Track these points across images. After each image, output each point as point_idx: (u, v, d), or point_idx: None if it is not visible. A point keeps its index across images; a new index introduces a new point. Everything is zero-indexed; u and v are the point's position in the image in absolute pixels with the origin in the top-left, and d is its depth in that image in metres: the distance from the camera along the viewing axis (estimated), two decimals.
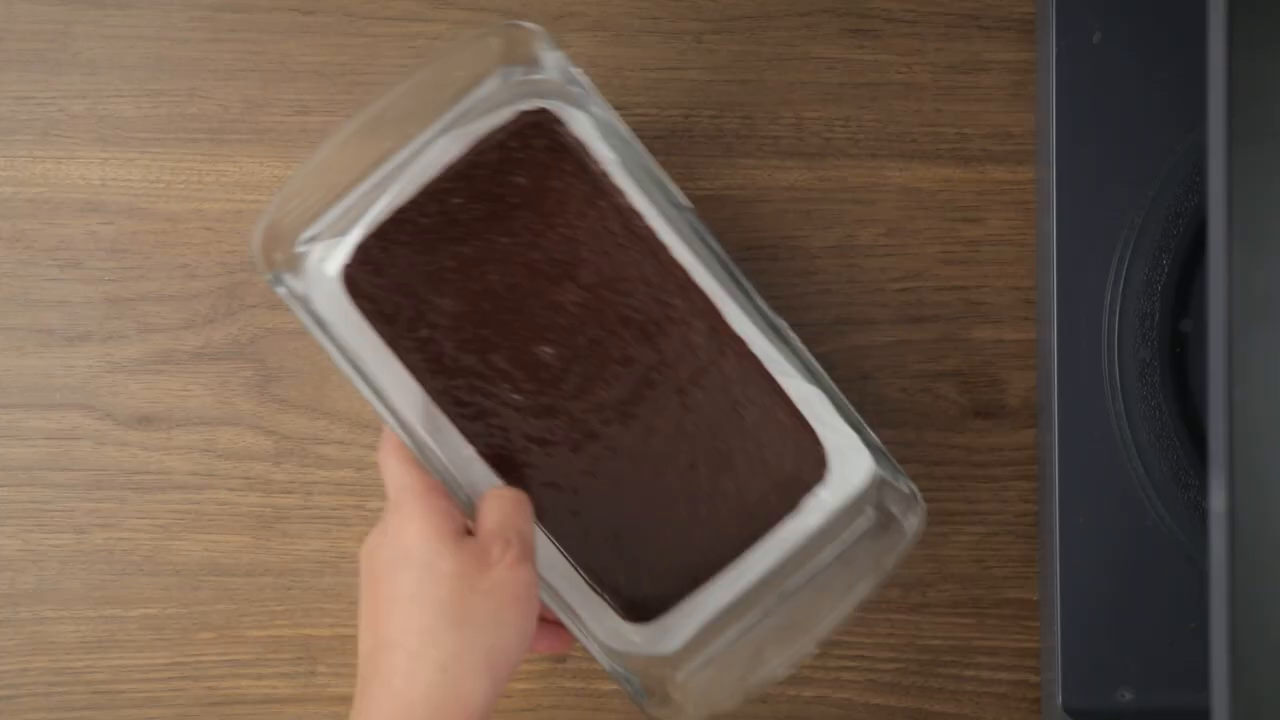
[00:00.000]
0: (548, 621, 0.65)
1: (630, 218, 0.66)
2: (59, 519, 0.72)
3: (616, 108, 0.72)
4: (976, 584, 0.73)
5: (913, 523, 0.64)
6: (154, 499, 0.72)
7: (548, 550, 0.66)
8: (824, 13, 0.73)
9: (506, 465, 0.66)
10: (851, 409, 0.66)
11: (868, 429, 0.66)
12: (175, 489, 0.72)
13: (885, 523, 0.66)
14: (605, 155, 0.66)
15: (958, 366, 0.73)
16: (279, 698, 0.72)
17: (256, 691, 0.72)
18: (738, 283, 0.66)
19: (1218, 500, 0.48)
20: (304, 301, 0.64)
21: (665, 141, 0.73)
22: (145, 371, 0.72)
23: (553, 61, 0.64)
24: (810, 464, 0.67)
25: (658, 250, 0.66)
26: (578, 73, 0.65)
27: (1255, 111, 0.47)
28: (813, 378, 0.66)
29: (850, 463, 0.67)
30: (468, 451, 0.66)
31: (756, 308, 0.66)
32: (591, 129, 0.66)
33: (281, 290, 0.63)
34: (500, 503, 0.62)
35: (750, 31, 0.73)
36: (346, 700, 0.72)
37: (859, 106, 0.73)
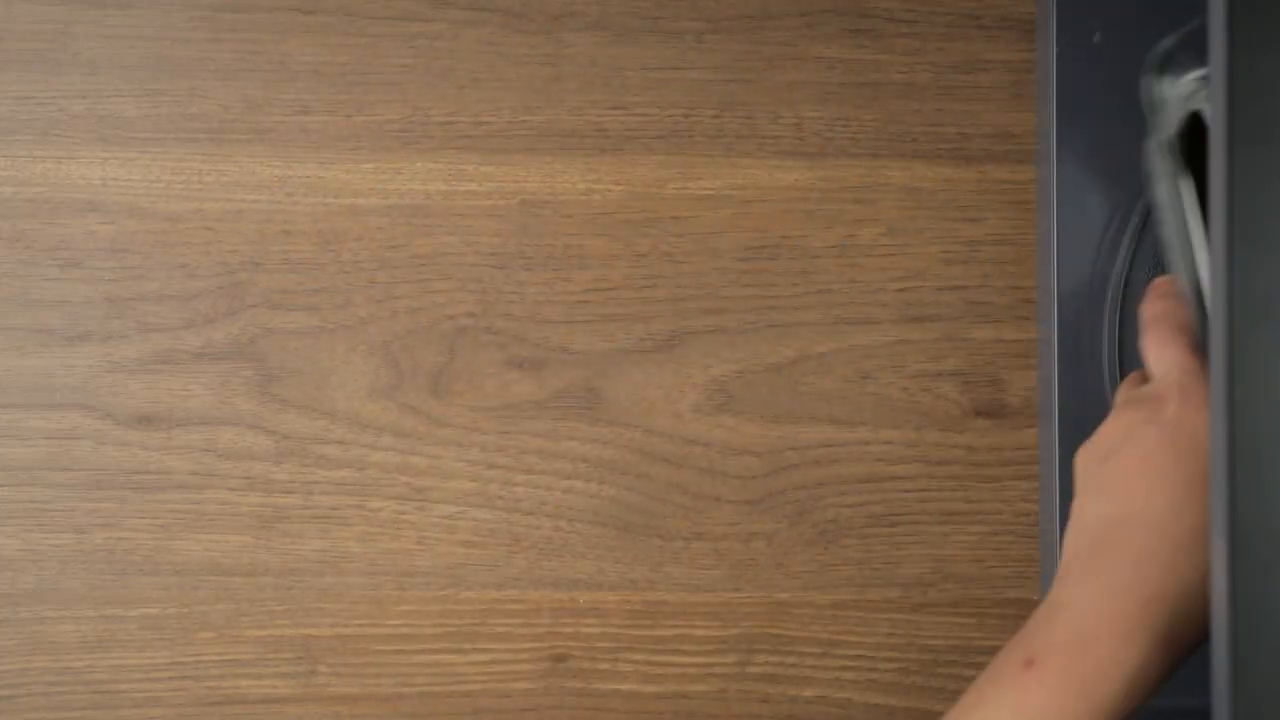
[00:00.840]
0: None
1: None
2: (59, 519, 0.72)
3: (616, 108, 0.72)
4: (977, 584, 0.73)
5: None
6: (154, 499, 0.72)
7: None
8: (824, 12, 0.73)
9: None
10: None
11: None
12: (175, 489, 0.72)
13: None
14: None
15: (958, 366, 0.73)
16: (279, 698, 0.72)
17: (256, 691, 0.72)
18: None
19: (1218, 500, 0.48)
20: (1158, 130, 0.58)
21: (666, 141, 0.73)
22: (145, 371, 0.72)
23: None
24: None
25: None
26: None
27: (1255, 112, 0.47)
28: None
29: None
30: None
31: None
32: None
33: (1150, 106, 0.58)
34: None
35: (750, 31, 0.73)
36: (346, 700, 0.72)
37: (859, 106, 0.73)
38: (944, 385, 0.73)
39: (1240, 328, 0.47)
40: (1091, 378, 0.70)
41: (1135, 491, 0.55)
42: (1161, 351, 0.58)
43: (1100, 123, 0.70)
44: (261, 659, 0.72)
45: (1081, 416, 0.69)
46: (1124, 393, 0.60)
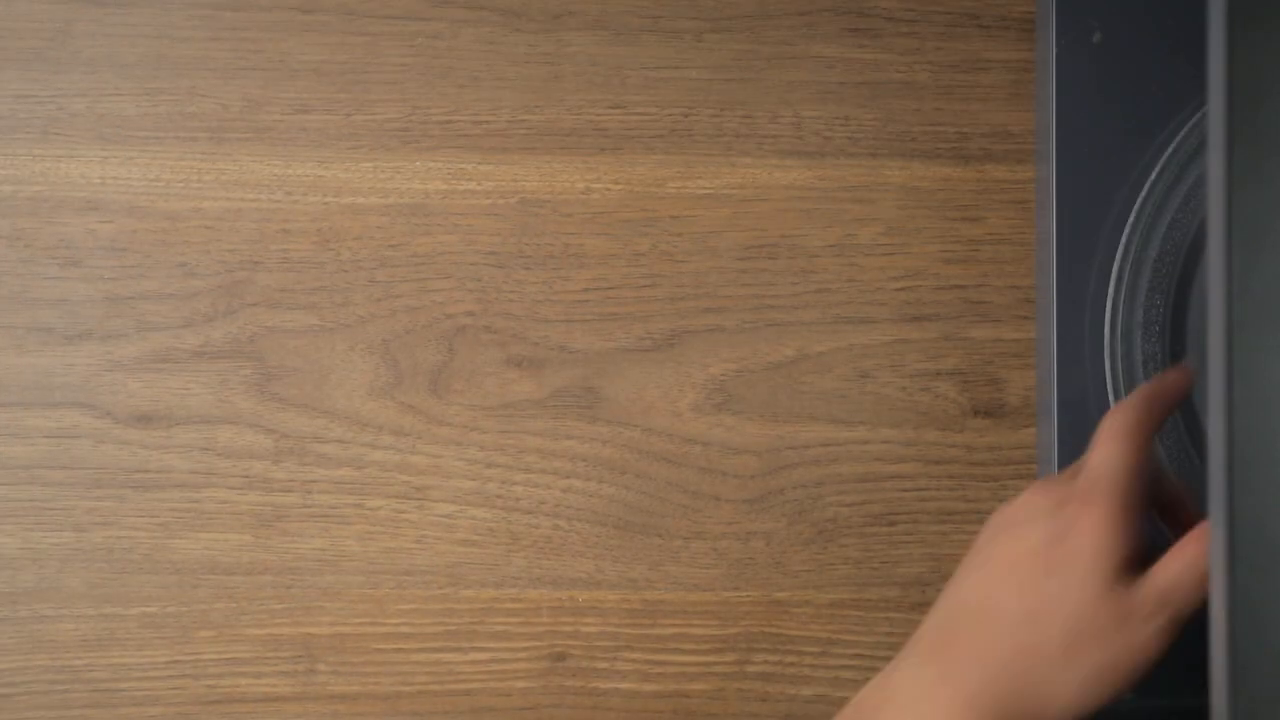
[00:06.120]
0: None
1: None
2: (58, 517, 0.72)
3: (615, 107, 0.72)
4: None
5: None
6: (153, 497, 0.72)
7: None
8: (824, 11, 0.73)
9: None
10: None
11: None
12: (175, 487, 0.72)
13: None
14: None
15: (957, 366, 0.73)
16: (278, 696, 0.72)
17: (256, 690, 0.72)
18: None
19: (1217, 500, 0.48)
20: None
21: (665, 140, 0.73)
22: (145, 370, 0.72)
23: None
24: None
25: None
26: None
27: (1255, 110, 0.47)
28: None
29: None
30: None
31: None
32: None
33: None
34: (1194, 558, 0.55)
35: (750, 30, 0.73)
36: (346, 699, 0.72)
37: (859, 105, 0.73)
38: (943, 385, 0.73)
39: (1240, 327, 0.47)
40: (1091, 378, 0.70)
41: (995, 589, 0.56)
42: (1104, 446, 0.58)
43: (1100, 122, 0.70)
44: (261, 657, 0.72)
45: (1080, 416, 0.69)
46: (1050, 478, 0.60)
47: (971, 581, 0.57)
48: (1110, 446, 0.57)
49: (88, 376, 0.72)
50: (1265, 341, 0.47)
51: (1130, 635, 0.55)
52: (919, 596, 0.73)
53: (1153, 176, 0.69)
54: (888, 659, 0.73)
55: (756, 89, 0.73)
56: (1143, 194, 0.69)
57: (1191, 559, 0.55)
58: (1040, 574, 0.55)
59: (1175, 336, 0.70)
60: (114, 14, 0.72)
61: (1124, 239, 0.70)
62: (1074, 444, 0.69)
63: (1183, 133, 0.69)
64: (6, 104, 0.72)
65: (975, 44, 0.73)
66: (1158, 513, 0.60)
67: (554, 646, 0.73)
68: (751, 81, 0.73)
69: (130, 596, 0.72)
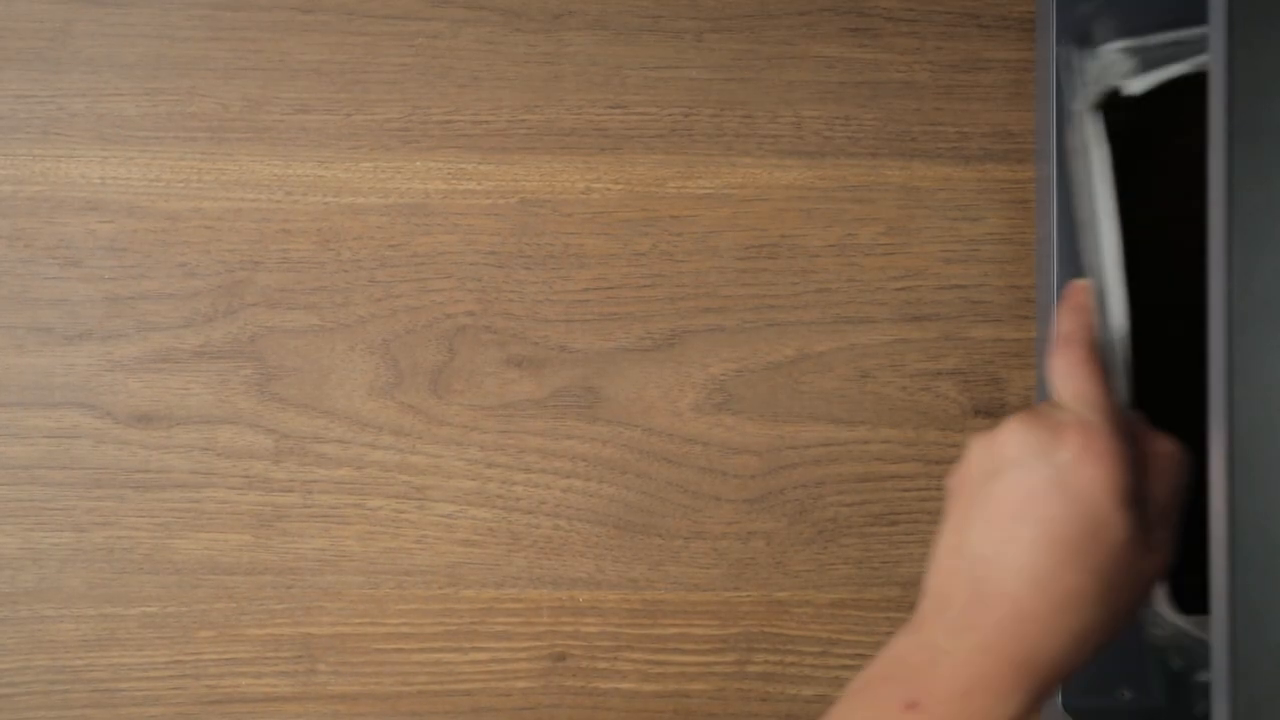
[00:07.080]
0: None
1: None
2: (59, 517, 0.72)
3: (615, 107, 0.72)
4: None
5: None
6: (154, 497, 0.72)
7: None
8: (824, 11, 0.73)
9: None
10: None
11: None
12: (175, 487, 0.72)
13: None
14: None
15: (958, 365, 0.73)
16: (278, 696, 0.72)
17: (256, 690, 0.72)
18: None
19: (1217, 499, 0.48)
20: (1075, 103, 0.56)
21: (665, 140, 0.73)
22: (145, 370, 0.72)
23: None
24: None
25: None
26: None
27: (1255, 110, 0.47)
28: None
29: None
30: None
31: None
32: None
33: (1067, 77, 0.56)
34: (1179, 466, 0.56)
35: (750, 30, 0.73)
36: (346, 699, 0.72)
37: (859, 105, 0.73)
38: (943, 384, 0.73)
39: (1240, 326, 0.47)
40: None
41: (1018, 539, 0.55)
42: (1067, 381, 0.58)
43: None
44: (261, 657, 0.72)
45: None
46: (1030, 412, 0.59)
47: (986, 533, 0.56)
48: (1074, 380, 0.58)
49: (88, 376, 0.72)
50: (1265, 341, 0.47)
51: (1152, 559, 0.55)
52: (919, 596, 0.73)
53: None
54: None
55: (756, 89, 0.73)
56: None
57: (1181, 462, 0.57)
58: (1058, 519, 0.54)
59: None
60: (114, 14, 0.72)
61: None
62: None
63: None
64: (6, 104, 0.72)
65: (975, 44, 0.73)
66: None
67: (554, 646, 0.73)
68: (751, 81, 0.73)
69: (130, 596, 0.72)
